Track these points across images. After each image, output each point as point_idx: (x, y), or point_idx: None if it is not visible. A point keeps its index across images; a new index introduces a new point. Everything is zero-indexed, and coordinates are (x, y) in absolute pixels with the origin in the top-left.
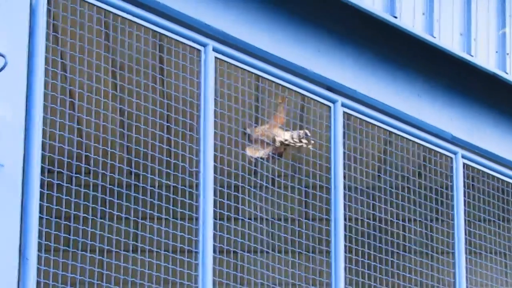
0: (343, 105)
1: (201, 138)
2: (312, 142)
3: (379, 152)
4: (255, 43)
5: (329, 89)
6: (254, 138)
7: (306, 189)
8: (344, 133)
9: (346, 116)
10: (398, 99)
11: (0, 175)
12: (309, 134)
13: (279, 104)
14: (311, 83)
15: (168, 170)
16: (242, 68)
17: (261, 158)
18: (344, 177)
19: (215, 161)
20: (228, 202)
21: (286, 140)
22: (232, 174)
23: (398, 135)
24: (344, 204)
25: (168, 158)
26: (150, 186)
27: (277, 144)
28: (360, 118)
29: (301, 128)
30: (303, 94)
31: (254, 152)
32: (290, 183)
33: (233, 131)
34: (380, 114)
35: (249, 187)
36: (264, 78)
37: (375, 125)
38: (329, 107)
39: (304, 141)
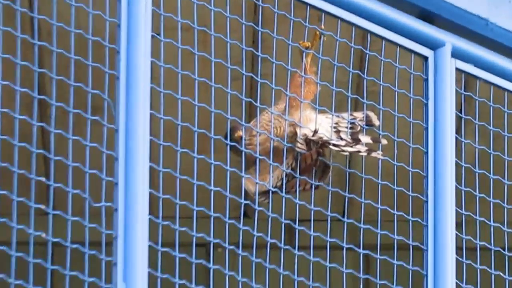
0: (456, 53)
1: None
2: (384, 142)
3: None
4: None
5: (425, 17)
6: (250, 141)
7: (370, 252)
8: (461, 119)
9: (464, 77)
10: None
11: None
12: (376, 123)
13: (307, 48)
14: (386, 4)
15: None
16: None
17: (275, 188)
18: (461, 224)
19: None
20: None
21: (320, 137)
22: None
23: None
24: None
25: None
26: None
27: (300, 145)
28: (502, 87)
29: (356, 108)
30: (365, 29)
31: (261, 181)
32: (345, 245)
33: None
34: None
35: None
36: None
37: None
38: (424, 58)
39: (365, 139)
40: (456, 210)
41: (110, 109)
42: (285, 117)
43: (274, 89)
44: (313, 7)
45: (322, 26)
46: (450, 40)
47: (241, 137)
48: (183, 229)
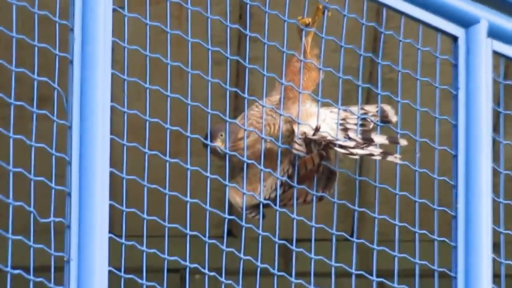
0: (493, 32)
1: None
2: (404, 143)
3: None
4: None
5: None
6: (236, 144)
7: (385, 280)
8: (499, 114)
9: (504, 62)
10: None
11: None
12: (393, 119)
13: (307, 26)
14: None
15: None
16: None
17: (266, 200)
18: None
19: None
20: None
21: (322, 137)
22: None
23: None
24: None
25: None
26: None
27: (298, 146)
28: None
29: (369, 100)
30: (379, 2)
31: (249, 192)
32: (354, 271)
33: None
34: None
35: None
36: None
37: None
38: (454, 38)
39: (380, 139)
40: (493, 229)
41: (61, 100)
42: (279, 111)
43: (266, 77)
44: None
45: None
46: (486, 16)
47: (219, 147)
48: (152, 250)
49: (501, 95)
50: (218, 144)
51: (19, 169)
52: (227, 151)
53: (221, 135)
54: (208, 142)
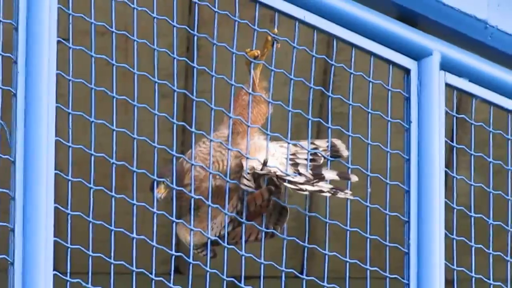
0: (445, 64)
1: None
2: (354, 179)
3: None
4: None
5: (407, 18)
6: (188, 180)
7: None
8: (452, 149)
9: (456, 94)
10: None
11: None
12: (344, 154)
13: (255, 58)
14: (356, 2)
15: None
16: None
17: (216, 237)
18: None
19: None
20: None
21: (270, 171)
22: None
23: None
24: None
25: None
26: None
27: (246, 181)
28: (505, 108)
29: (319, 135)
30: (330, 34)
31: (198, 230)
32: None
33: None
34: None
35: None
36: None
37: None
38: (406, 71)
39: (330, 175)
40: (446, 265)
41: (4, 135)
42: (228, 146)
43: (213, 110)
44: (263, 5)
45: (275, 30)
46: (439, 48)
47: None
48: None
49: (454, 128)
50: (161, 192)
51: None
52: (174, 187)
53: (164, 182)
54: (154, 191)
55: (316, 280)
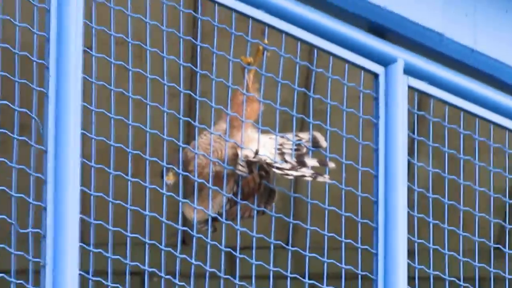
0: (408, 70)
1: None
2: (332, 165)
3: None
4: None
5: (376, 31)
6: (192, 167)
7: (316, 282)
8: (413, 140)
9: (417, 95)
10: None
11: None
12: (322, 144)
13: (249, 64)
14: (333, 17)
15: None
16: None
17: (218, 215)
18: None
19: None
20: None
21: (261, 159)
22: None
23: None
24: None
25: None
26: None
27: (241, 167)
28: (457, 106)
29: (302, 128)
30: (311, 44)
31: (200, 208)
32: (289, 274)
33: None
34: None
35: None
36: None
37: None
38: (375, 75)
39: (312, 162)
40: (408, 238)
41: (38, 128)
42: (225, 138)
43: (213, 108)
44: (255, 20)
45: (265, 41)
46: (402, 56)
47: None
48: (116, 257)
49: (415, 123)
50: (170, 179)
51: (2, 187)
52: (181, 173)
53: (173, 170)
54: (164, 177)
55: (300, 250)
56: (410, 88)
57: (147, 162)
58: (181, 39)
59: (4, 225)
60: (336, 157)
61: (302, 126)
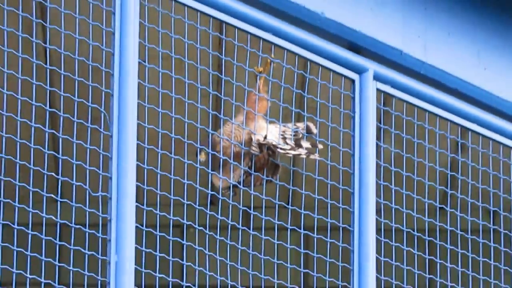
0: (377, 77)
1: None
2: (320, 147)
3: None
4: None
5: (353, 48)
6: (218, 148)
7: (308, 232)
8: (380, 128)
9: (383, 95)
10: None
11: None
12: (314, 131)
13: (260, 72)
14: (322, 38)
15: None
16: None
17: (237, 183)
18: (380, 211)
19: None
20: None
21: (269, 142)
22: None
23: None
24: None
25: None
26: None
27: (254, 148)
28: (412, 104)
29: (299, 119)
30: (305, 58)
31: (224, 178)
32: (289, 226)
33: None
34: (450, 96)
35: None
36: (230, 25)
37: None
38: (352, 80)
39: (306, 144)
40: (376, 200)
41: (106, 119)
42: (243, 126)
43: (234, 105)
44: (265, 40)
45: (272, 55)
46: (372, 67)
47: (204, 158)
48: (163, 213)
49: (381, 116)
50: (202, 157)
51: (80, 162)
52: (210, 152)
53: (204, 150)
54: (198, 156)
55: (297, 209)
56: (378, 90)
57: (186, 144)
58: (210, 54)
59: (81, 190)
60: (323, 140)
61: (299, 118)
